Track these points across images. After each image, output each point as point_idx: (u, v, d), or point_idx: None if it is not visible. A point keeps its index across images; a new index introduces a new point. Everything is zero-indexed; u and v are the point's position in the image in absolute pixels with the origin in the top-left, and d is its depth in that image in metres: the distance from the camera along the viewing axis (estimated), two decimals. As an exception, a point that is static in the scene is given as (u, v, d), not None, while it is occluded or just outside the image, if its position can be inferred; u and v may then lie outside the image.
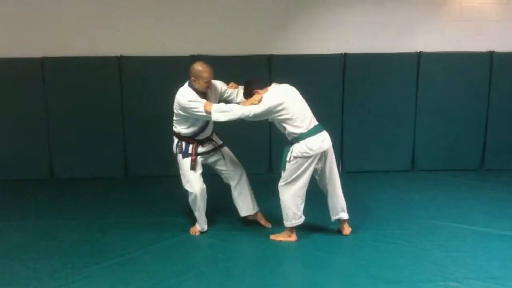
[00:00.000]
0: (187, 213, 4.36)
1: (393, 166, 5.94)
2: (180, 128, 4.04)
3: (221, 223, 4.36)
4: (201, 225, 4.17)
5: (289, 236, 3.99)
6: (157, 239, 4.02)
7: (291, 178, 3.85)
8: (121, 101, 5.77)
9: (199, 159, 4.07)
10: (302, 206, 3.94)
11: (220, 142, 4.24)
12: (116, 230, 4.26)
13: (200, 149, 4.07)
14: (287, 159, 3.82)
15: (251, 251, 3.91)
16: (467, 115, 5.87)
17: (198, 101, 3.85)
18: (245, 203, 4.25)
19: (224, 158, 4.18)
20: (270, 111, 3.79)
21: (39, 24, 5.68)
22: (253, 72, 5.56)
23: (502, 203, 4.82)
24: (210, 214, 4.23)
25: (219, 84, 4.13)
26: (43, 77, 5.68)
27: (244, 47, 5.70)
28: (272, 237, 4.04)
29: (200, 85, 3.88)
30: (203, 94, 3.95)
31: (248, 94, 3.96)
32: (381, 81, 5.81)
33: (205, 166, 4.16)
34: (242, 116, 3.79)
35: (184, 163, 4.04)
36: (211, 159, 4.17)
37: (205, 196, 4.09)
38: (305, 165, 3.82)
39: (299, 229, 4.02)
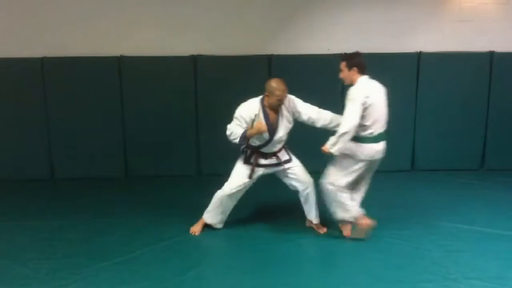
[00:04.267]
0: (187, 213, 4.37)
1: (393, 166, 5.93)
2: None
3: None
4: (212, 220, 4.16)
5: (363, 223, 3.92)
6: (157, 239, 4.02)
7: (340, 175, 3.87)
8: (121, 101, 5.77)
9: (259, 171, 4.05)
10: (354, 196, 4.01)
11: (286, 157, 4.12)
12: (116, 230, 4.25)
13: (263, 161, 4.05)
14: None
15: (251, 251, 3.90)
16: (467, 115, 5.87)
17: (240, 124, 3.87)
18: (308, 213, 4.22)
19: (287, 176, 4.12)
20: (361, 106, 3.75)
21: (39, 24, 5.68)
22: (253, 72, 5.61)
23: (502, 203, 4.82)
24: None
25: (300, 104, 4.00)
26: (43, 77, 5.68)
27: (244, 47, 5.70)
28: (347, 235, 4.01)
29: (272, 101, 3.88)
30: (273, 111, 3.93)
31: (349, 66, 3.97)
32: (381, 81, 5.75)
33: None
34: (349, 130, 3.69)
35: (239, 167, 4.06)
36: (273, 172, 4.14)
37: (231, 204, 4.10)
38: (355, 166, 3.84)
39: (299, 229, 4.02)
